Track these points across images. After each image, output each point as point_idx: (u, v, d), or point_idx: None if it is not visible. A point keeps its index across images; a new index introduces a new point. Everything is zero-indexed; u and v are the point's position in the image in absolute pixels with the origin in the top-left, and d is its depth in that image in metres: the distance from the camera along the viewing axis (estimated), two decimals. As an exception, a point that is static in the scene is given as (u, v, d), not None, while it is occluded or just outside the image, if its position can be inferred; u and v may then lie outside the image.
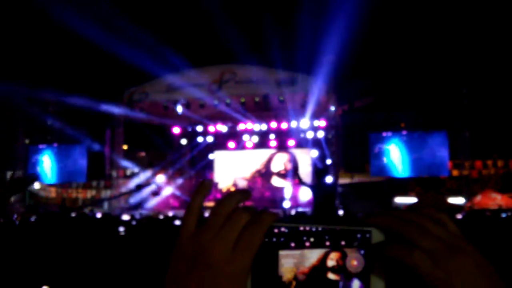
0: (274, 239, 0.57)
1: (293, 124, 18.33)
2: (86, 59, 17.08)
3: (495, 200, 16.62)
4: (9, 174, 20.36)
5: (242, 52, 16.46)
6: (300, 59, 16.67)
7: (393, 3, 16.56)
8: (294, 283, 0.56)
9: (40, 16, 15.56)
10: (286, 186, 18.50)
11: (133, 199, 19.60)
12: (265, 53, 16.04)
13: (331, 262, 0.57)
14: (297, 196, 17.76)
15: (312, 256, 0.57)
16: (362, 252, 0.57)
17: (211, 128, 19.73)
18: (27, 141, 18.84)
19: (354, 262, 0.57)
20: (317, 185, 7.72)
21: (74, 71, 17.84)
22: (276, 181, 19.27)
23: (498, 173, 19.41)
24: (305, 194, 16.37)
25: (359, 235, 0.57)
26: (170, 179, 20.61)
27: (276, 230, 0.57)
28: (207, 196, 0.61)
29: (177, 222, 9.20)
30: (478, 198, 16.65)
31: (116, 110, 18.10)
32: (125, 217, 13.66)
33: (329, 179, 8.02)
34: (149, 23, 16.84)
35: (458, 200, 16.14)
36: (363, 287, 0.56)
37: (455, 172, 18.32)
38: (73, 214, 11.74)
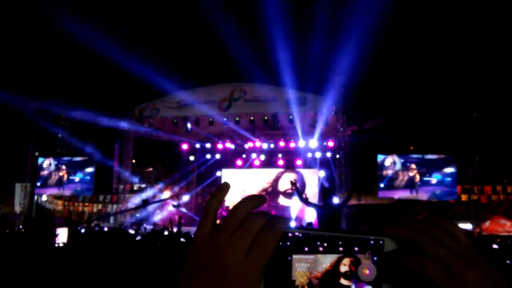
0: (288, 243, 0.58)
1: (301, 143, 18.32)
2: (98, 74, 17.29)
3: (504, 226, 16.37)
4: (18, 186, 20.48)
5: (252, 70, 16.60)
6: (310, 79, 16.76)
7: (404, 25, 16.65)
8: (307, 287, 0.57)
9: (53, 30, 15.81)
10: (292, 205, 18.42)
11: (139, 214, 19.60)
12: (275, 72, 16.13)
13: (343, 268, 0.57)
14: (303, 216, 17.66)
15: (325, 261, 0.58)
16: (375, 258, 0.57)
17: (219, 146, 19.77)
18: (36, 154, 18.96)
19: (366, 271, 0.57)
20: (322, 205, 7.65)
21: (86, 85, 18.06)
22: (282, 201, 19.20)
23: (507, 199, 19.19)
24: (311, 214, 16.29)
25: (371, 243, 0.58)
26: (176, 196, 20.58)
27: (290, 235, 0.58)
28: (223, 199, 0.62)
29: (182, 239, 9.16)
30: (487, 223, 16.41)
31: (126, 125, 18.22)
32: (130, 231, 13.65)
33: (335, 200, 7.97)
34: (161, 40, 17.05)
35: (466, 226, 15.94)
36: None
37: (463, 197, 18.12)
38: (82, 230, 11.74)
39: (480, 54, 17.21)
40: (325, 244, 0.58)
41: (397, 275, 0.56)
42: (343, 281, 0.57)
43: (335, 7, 17.16)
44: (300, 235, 0.58)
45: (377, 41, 15.77)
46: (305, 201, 7.99)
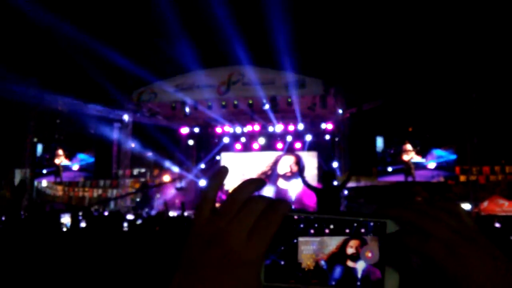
0: (294, 226, 0.58)
1: (300, 126, 18.32)
2: (95, 59, 17.16)
3: (502, 206, 16.48)
4: (17, 172, 20.51)
5: (250, 54, 16.48)
6: (309, 62, 16.67)
7: (403, 7, 16.52)
8: (313, 269, 0.57)
9: (47, 17, 15.65)
10: (291, 188, 18.50)
11: (139, 198, 19.67)
12: (274, 55, 16.03)
13: (350, 250, 0.58)
14: (302, 198, 17.74)
15: (332, 243, 0.58)
16: (384, 242, 0.57)
17: (218, 129, 19.76)
18: (35, 139, 18.93)
19: (369, 253, 0.57)
20: (323, 188, 7.69)
21: (83, 70, 17.93)
22: (281, 183, 19.26)
23: (505, 179, 19.28)
24: (310, 197, 16.36)
25: (374, 224, 0.58)
26: (176, 180, 20.65)
27: (296, 217, 0.58)
28: (222, 183, 0.62)
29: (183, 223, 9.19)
30: (485, 204, 16.52)
31: (124, 110, 18.18)
32: (129, 216, 13.69)
33: (334, 182, 7.99)
34: (157, 23, 16.88)
35: (465, 206, 16.04)
36: (378, 277, 0.57)
37: (462, 178, 18.20)
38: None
39: (478, 35, 17.12)
40: (331, 226, 0.59)
41: (400, 256, 0.57)
42: (350, 263, 0.58)
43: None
44: (306, 217, 0.58)
45: (376, 22, 15.66)
46: (307, 184, 8.02)
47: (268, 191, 18.71)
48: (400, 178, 16.44)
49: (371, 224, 0.58)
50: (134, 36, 16.83)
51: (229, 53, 16.37)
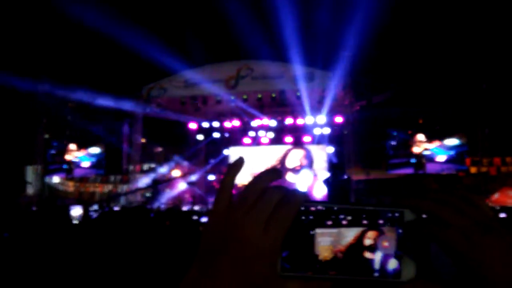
0: (311, 217, 0.58)
1: (310, 120, 18.24)
2: (105, 55, 17.22)
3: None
4: (29, 168, 20.68)
5: (259, 47, 16.43)
6: (318, 55, 16.58)
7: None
8: (330, 261, 0.58)
9: (58, 12, 15.70)
10: (300, 182, 18.45)
11: (150, 194, 19.75)
12: (282, 49, 15.97)
13: (368, 241, 0.58)
14: (312, 192, 17.71)
15: (349, 234, 0.58)
16: (400, 231, 0.58)
17: (227, 124, 19.75)
18: (46, 136, 19.07)
19: (385, 243, 0.58)
20: (332, 181, 7.68)
21: (94, 66, 18.00)
22: (291, 177, 19.22)
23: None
24: (320, 191, 16.30)
25: (391, 215, 0.58)
26: (186, 174, 20.70)
27: (313, 209, 0.59)
28: (239, 173, 0.63)
29: (194, 217, 9.24)
30: (496, 195, 16.36)
31: (134, 105, 18.23)
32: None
33: (344, 175, 7.98)
34: (166, 18, 16.90)
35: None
36: (395, 267, 0.58)
37: (473, 169, 18.03)
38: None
39: (488, 24, 16.90)
40: (349, 218, 0.59)
41: (417, 246, 0.58)
42: (368, 255, 0.58)
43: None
44: (323, 208, 0.59)
45: (385, 13, 15.51)
46: (323, 180, 8.02)
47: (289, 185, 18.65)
48: (410, 171, 16.35)
49: (389, 214, 0.58)
50: (144, 31, 16.83)
51: (238, 48, 16.36)
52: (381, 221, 0.58)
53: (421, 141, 16.00)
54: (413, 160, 16.10)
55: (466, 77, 15.36)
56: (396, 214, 0.58)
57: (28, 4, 14.95)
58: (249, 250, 0.55)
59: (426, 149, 16.03)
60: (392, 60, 15.99)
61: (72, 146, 19.02)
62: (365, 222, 0.59)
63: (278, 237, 0.56)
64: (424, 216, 0.58)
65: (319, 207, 0.59)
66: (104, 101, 17.27)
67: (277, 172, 0.61)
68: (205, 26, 16.68)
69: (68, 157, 18.98)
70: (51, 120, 18.70)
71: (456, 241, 0.54)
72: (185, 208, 14.91)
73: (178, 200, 18.75)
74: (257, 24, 16.86)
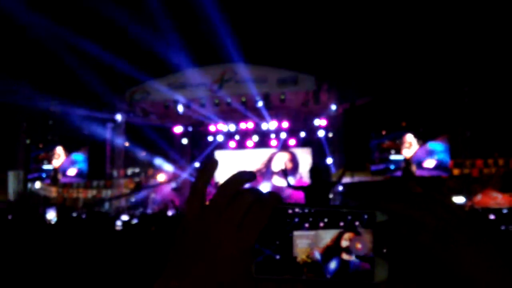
0: (289, 220, 0.57)
1: (294, 123, 18.33)
2: (87, 58, 17.08)
3: (496, 199, 16.58)
4: (11, 174, 20.40)
5: (243, 51, 16.47)
6: (302, 58, 16.68)
7: (393, 1, 16.55)
8: (308, 263, 0.57)
9: (34, 18, 15.55)
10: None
11: (134, 199, 19.63)
12: (266, 52, 16.04)
13: (345, 243, 0.57)
14: (298, 195, 17.76)
15: (327, 236, 0.58)
16: (373, 233, 0.57)
17: (211, 128, 19.74)
18: (28, 141, 18.84)
19: (359, 245, 0.57)
20: (310, 185, 7.66)
21: (75, 70, 17.84)
22: (276, 181, 19.27)
23: (499, 172, 19.39)
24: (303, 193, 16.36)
25: (367, 217, 0.58)
26: (171, 179, 20.63)
27: (290, 211, 0.58)
28: (212, 176, 0.61)
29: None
30: (479, 197, 16.62)
31: (117, 109, 18.12)
32: (124, 217, 13.66)
33: (325, 177, 8.00)
34: (148, 22, 16.83)
35: (459, 199, 16.12)
36: (368, 268, 0.57)
37: (456, 171, 18.28)
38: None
39: (470, 28, 17.18)
40: (326, 220, 0.58)
41: (390, 248, 0.57)
42: (345, 256, 0.57)
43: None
44: (301, 211, 0.58)
45: (368, 17, 15.69)
46: (291, 187, 8.03)
47: (263, 188, 18.70)
48: (397, 173, 16.49)
49: (365, 216, 0.58)
50: (125, 35, 16.75)
51: (221, 51, 16.36)
52: (357, 223, 0.58)
53: (411, 142, 16.09)
54: (398, 163, 16.25)
55: (448, 80, 15.57)
56: (368, 216, 0.58)
57: (5, 10, 14.79)
58: (222, 254, 0.54)
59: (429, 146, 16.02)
60: (374, 63, 16.13)
61: (59, 150, 18.83)
62: (342, 224, 0.58)
63: (251, 240, 0.55)
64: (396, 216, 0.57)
65: (297, 210, 0.58)
66: (87, 105, 17.13)
67: (250, 173, 0.60)
68: (188, 30, 16.66)
69: (55, 161, 18.78)
70: (32, 124, 18.48)
71: (427, 241, 0.53)
72: (170, 213, 14.84)
73: (164, 205, 18.65)
74: (241, 28, 16.90)
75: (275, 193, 0.58)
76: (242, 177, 0.59)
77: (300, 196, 17.63)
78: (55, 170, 18.79)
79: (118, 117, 18.48)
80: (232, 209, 0.55)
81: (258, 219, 0.55)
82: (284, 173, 8.11)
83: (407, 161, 16.19)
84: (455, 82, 15.50)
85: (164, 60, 16.93)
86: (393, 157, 16.29)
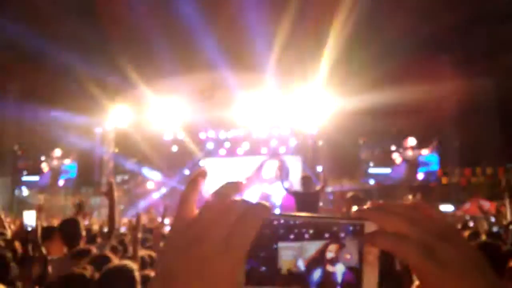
0: (274, 231, 0.57)
1: (284, 130, 18.36)
2: (77, 66, 16.98)
3: (484, 208, 16.69)
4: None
5: (232, 58, 16.49)
6: (293, 65, 16.73)
7: (387, 8, 16.63)
8: (293, 275, 0.56)
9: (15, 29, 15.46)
10: (276, 193, 18.48)
11: (123, 207, 19.49)
12: (257, 59, 16.06)
13: (330, 254, 0.57)
14: (289, 203, 17.73)
15: (312, 248, 0.57)
16: (361, 243, 0.57)
17: (201, 135, 19.69)
18: (15, 147, 18.67)
19: (347, 256, 0.57)
20: (302, 192, 7.70)
21: (65, 77, 17.74)
22: (267, 189, 19.24)
23: (487, 181, 19.54)
24: (292, 202, 16.32)
25: (352, 228, 0.58)
26: (160, 186, 20.54)
27: (275, 222, 0.57)
28: (201, 186, 0.60)
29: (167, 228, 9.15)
30: (467, 205, 16.74)
31: (106, 117, 18.05)
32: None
33: (314, 186, 8.03)
34: (138, 29, 16.81)
35: (447, 208, 16.23)
36: (357, 279, 0.57)
37: (444, 180, 18.41)
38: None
39: (461, 36, 17.35)
40: (311, 231, 0.58)
41: (378, 258, 0.57)
42: (329, 268, 0.57)
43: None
44: (286, 222, 0.57)
45: (358, 23, 15.78)
46: (287, 189, 8.04)
47: (253, 196, 18.67)
48: (389, 181, 16.58)
49: (350, 228, 0.58)
50: (114, 43, 16.71)
51: (210, 58, 16.37)
52: (342, 234, 0.58)
53: (413, 145, 16.10)
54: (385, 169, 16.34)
55: (437, 90, 15.69)
56: (357, 227, 0.58)
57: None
58: (211, 266, 0.53)
59: (420, 155, 16.14)
60: (365, 70, 16.21)
61: (58, 150, 18.72)
62: (327, 235, 0.58)
63: (241, 252, 0.53)
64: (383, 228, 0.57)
65: (283, 221, 0.58)
66: (76, 112, 17.05)
67: (239, 184, 0.60)
68: (178, 37, 16.65)
69: (54, 162, 18.67)
70: (20, 130, 18.33)
71: (411, 253, 0.53)
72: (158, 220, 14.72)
73: (150, 212, 18.54)
74: (231, 35, 16.92)
75: (265, 203, 0.57)
76: (230, 188, 0.58)
77: (290, 203, 17.61)
78: (44, 177, 18.64)
79: (107, 124, 18.39)
80: (220, 220, 0.54)
81: (247, 232, 0.53)
82: (281, 176, 8.14)
83: (411, 163, 16.21)
84: (444, 92, 15.63)
85: (154, 67, 16.91)
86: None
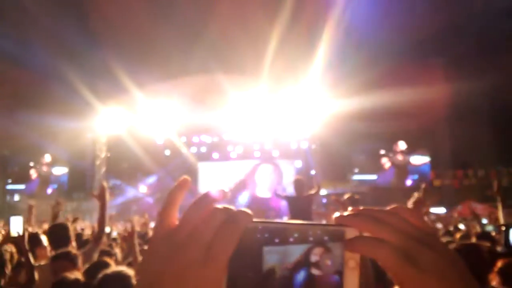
0: (259, 235, 0.57)
1: (278, 134, 18.39)
2: (68, 71, 16.91)
3: (476, 210, 16.77)
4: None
5: (225, 62, 16.51)
6: (286, 70, 16.78)
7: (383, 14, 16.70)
8: (278, 278, 0.56)
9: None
10: (269, 196, 18.50)
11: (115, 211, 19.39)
12: (251, 64, 16.08)
13: (314, 257, 0.57)
14: (281, 206, 17.76)
15: (297, 251, 0.57)
16: (343, 248, 0.57)
17: (195, 139, 19.68)
18: (6, 152, 18.55)
19: (328, 261, 0.57)
20: (294, 196, 7.71)
21: (56, 83, 17.65)
22: (260, 192, 19.25)
23: (479, 183, 19.68)
24: (285, 205, 16.35)
25: (334, 233, 0.57)
26: (153, 191, 20.48)
27: (260, 227, 0.57)
28: (183, 194, 0.60)
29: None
30: (459, 208, 16.83)
31: (98, 121, 17.98)
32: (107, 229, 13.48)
33: (307, 190, 8.04)
34: (132, 32, 16.79)
35: (439, 210, 16.30)
36: (338, 284, 0.57)
37: (436, 182, 18.50)
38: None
39: (455, 45, 17.47)
40: (296, 235, 0.58)
41: (359, 263, 0.57)
42: (314, 271, 0.57)
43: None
44: (269, 226, 0.57)
45: (353, 29, 15.86)
46: (277, 194, 8.06)
47: (246, 199, 18.70)
48: (377, 182, 16.62)
49: (333, 233, 0.57)
50: (105, 47, 16.68)
51: (206, 62, 16.38)
52: (326, 238, 0.57)
53: (403, 149, 16.18)
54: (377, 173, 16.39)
55: (430, 93, 15.77)
56: (339, 233, 0.58)
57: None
58: (192, 275, 0.52)
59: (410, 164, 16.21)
60: (358, 76, 16.27)
61: (48, 155, 18.61)
62: (311, 239, 0.57)
63: (222, 260, 0.53)
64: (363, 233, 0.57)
65: (266, 225, 0.57)
66: (68, 118, 16.98)
67: (222, 191, 0.59)
68: (174, 40, 16.63)
69: (44, 168, 18.57)
70: (12, 138, 18.22)
71: (392, 260, 0.53)
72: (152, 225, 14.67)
73: (143, 217, 18.46)
74: (225, 39, 16.94)
75: (246, 211, 0.57)
76: (211, 196, 0.58)
77: (278, 205, 17.62)
78: (34, 182, 18.54)
79: (100, 128, 18.32)
80: (202, 227, 0.54)
81: (229, 239, 0.53)
82: (273, 182, 8.18)
83: (401, 167, 16.31)
84: (437, 95, 15.71)
85: (147, 71, 16.89)
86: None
